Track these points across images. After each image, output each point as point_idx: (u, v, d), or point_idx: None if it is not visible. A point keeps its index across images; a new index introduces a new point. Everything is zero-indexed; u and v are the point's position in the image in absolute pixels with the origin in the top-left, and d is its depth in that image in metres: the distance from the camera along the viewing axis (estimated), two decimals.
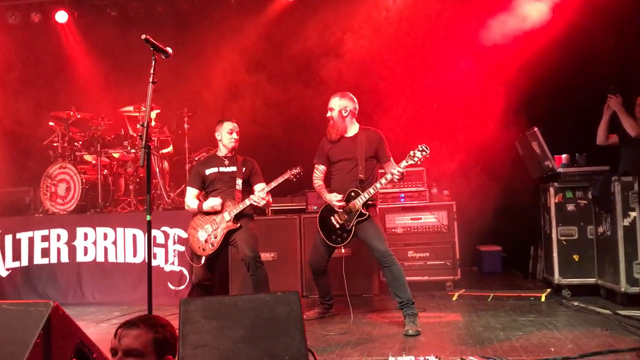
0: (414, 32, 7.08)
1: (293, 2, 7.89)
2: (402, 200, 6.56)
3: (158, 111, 7.41)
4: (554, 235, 5.73)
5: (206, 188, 5.22)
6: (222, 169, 5.17)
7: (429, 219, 6.42)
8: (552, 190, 5.78)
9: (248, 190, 5.15)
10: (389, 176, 4.67)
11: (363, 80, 6.88)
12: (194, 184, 5.25)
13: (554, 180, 5.83)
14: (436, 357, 3.55)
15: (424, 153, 4.58)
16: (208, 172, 5.18)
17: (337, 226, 4.88)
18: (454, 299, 5.93)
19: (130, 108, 7.24)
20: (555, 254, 5.71)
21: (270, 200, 5.15)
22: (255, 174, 5.22)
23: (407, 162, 4.62)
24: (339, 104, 4.98)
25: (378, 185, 4.74)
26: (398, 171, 4.62)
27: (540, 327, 4.51)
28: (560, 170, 5.80)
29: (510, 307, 5.37)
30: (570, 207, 5.72)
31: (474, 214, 6.75)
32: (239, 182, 5.10)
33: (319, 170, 5.16)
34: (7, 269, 6.78)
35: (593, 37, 6.46)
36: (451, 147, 6.44)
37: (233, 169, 5.16)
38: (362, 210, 4.77)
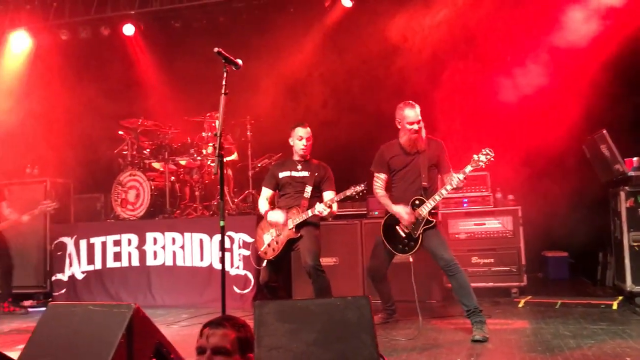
0: (480, 32, 6.99)
1: (352, 7, 7.93)
2: (465, 205, 6.50)
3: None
4: (625, 241, 5.54)
5: (279, 190, 5.31)
6: (294, 174, 5.21)
7: (493, 224, 6.33)
8: (622, 194, 5.60)
9: (318, 196, 5.17)
10: (454, 182, 4.57)
11: (426, 82, 6.85)
12: (268, 185, 5.33)
13: (625, 184, 5.65)
14: None
15: (488, 157, 4.52)
16: (281, 175, 5.26)
17: (404, 235, 4.86)
18: (520, 305, 5.82)
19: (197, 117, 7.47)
20: (627, 261, 5.51)
21: (335, 211, 5.08)
22: (327, 181, 5.22)
23: (471, 166, 4.56)
24: (420, 114, 4.90)
25: (444, 191, 4.68)
26: (463, 177, 4.56)
27: (613, 335, 4.38)
28: (632, 173, 5.60)
29: (579, 314, 5.23)
30: None
31: (540, 218, 6.61)
32: (308, 189, 5.13)
33: (380, 179, 5.09)
34: (83, 272, 7.12)
35: None
36: (516, 151, 6.32)
37: (305, 174, 5.20)
38: (429, 218, 4.74)
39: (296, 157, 5.27)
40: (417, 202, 4.80)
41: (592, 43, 6.38)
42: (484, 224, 6.36)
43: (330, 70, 7.82)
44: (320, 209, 4.89)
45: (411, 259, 4.88)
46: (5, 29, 8.75)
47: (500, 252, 6.27)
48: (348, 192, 4.82)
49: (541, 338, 4.42)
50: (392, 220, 4.94)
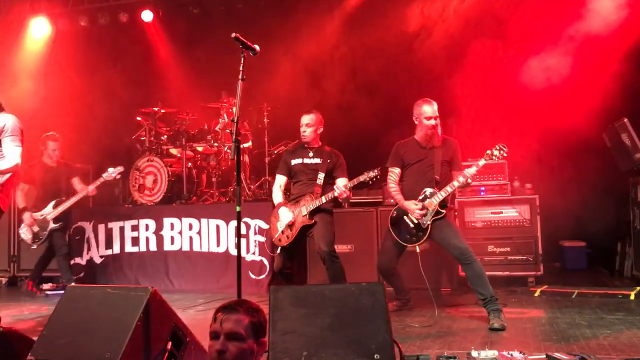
0: (502, 17, 6.90)
1: None
2: (482, 193, 6.46)
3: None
4: None
5: (291, 178, 5.33)
6: (305, 161, 5.24)
7: (510, 213, 6.29)
8: None
9: (330, 183, 5.18)
10: (461, 179, 4.66)
11: (445, 67, 6.79)
12: (281, 172, 5.36)
13: None
14: (520, 352, 3.50)
15: (501, 152, 4.55)
16: (293, 162, 5.28)
17: (412, 225, 4.89)
18: (536, 294, 5.79)
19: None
20: None
21: (350, 194, 5.15)
22: (339, 168, 5.21)
23: (484, 160, 4.60)
24: (437, 112, 4.95)
25: (456, 183, 4.71)
26: (475, 171, 4.61)
27: (630, 325, 4.34)
28: None
29: (596, 304, 5.19)
30: None
31: (558, 208, 6.55)
32: (321, 176, 5.13)
33: (394, 174, 5.11)
34: (101, 256, 7.21)
35: None
36: (535, 139, 6.26)
37: (317, 161, 5.21)
38: (438, 209, 4.76)
39: (307, 144, 5.29)
40: (428, 192, 4.81)
41: (616, 31, 6.26)
42: (501, 212, 6.33)
43: (349, 55, 7.77)
44: (339, 191, 4.91)
45: (418, 249, 4.90)
46: (26, 14, 8.83)
47: (517, 241, 6.23)
48: (362, 178, 4.87)
49: (557, 327, 4.39)
50: (401, 211, 4.98)
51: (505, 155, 4.57)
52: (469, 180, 4.69)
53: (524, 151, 6.35)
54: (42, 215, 6.62)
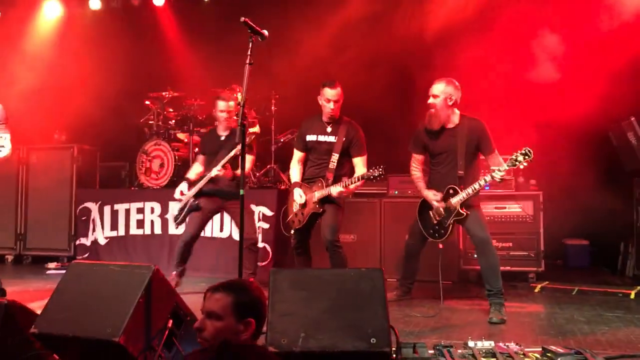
0: (510, 8, 6.86)
1: None
2: (486, 188, 6.42)
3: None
4: None
5: (307, 152, 5.19)
6: (320, 138, 5.07)
7: (513, 208, 6.30)
8: None
9: (348, 161, 5.05)
10: (488, 177, 4.52)
11: (450, 58, 6.75)
12: (298, 147, 5.24)
13: None
14: (517, 344, 3.53)
15: (526, 157, 4.36)
16: (308, 137, 5.13)
17: (435, 222, 4.85)
18: (536, 290, 5.82)
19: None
20: None
21: (353, 189, 4.99)
22: (356, 145, 5.03)
23: (507, 166, 4.45)
24: (444, 91, 4.69)
25: (477, 185, 4.59)
26: (500, 176, 4.46)
27: (628, 323, 4.37)
28: None
29: (596, 302, 5.21)
30: None
31: (562, 205, 6.56)
32: (334, 158, 4.97)
33: (417, 160, 5.01)
34: (106, 238, 7.27)
35: None
36: (540, 135, 6.23)
37: (332, 139, 5.03)
38: (460, 210, 4.65)
39: (325, 119, 5.09)
40: (450, 191, 4.72)
41: (625, 28, 6.22)
42: (505, 207, 6.33)
43: (360, 44, 7.70)
44: (335, 191, 4.84)
45: (441, 246, 4.90)
46: None
47: (519, 236, 6.24)
48: (365, 176, 4.70)
49: (555, 322, 4.43)
50: (427, 203, 4.92)
51: (530, 160, 4.36)
52: (497, 179, 4.49)
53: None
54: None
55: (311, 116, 5.24)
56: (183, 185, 5.61)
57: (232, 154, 5.22)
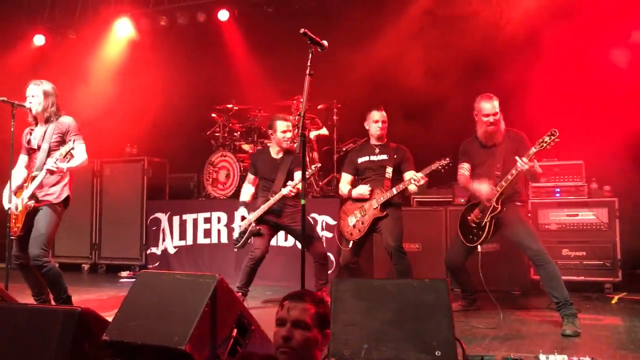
0: (581, 8, 6.61)
1: None
2: (557, 195, 6.23)
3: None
4: None
5: (358, 175, 5.40)
6: (372, 158, 5.31)
7: (587, 215, 6.03)
8: None
9: (398, 179, 5.21)
10: (514, 171, 4.47)
11: (519, 62, 6.56)
12: (347, 170, 5.47)
13: None
14: (592, 358, 3.36)
15: (552, 137, 4.29)
16: (360, 160, 5.36)
17: (473, 225, 4.81)
18: (613, 302, 5.54)
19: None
20: None
21: (427, 179, 5.05)
22: (406, 162, 5.25)
23: (535, 148, 4.38)
24: (498, 109, 4.78)
25: (509, 176, 4.52)
26: (525, 161, 4.36)
27: None
28: None
29: None
30: None
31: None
32: (389, 170, 5.18)
33: (464, 168, 5.02)
34: (175, 247, 7.50)
35: None
36: (615, 139, 5.95)
37: (383, 157, 5.27)
38: (494, 205, 4.63)
39: (373, 142, 5.37)
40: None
41: None
42: (577, 215, 6.08)
43: (423, 54, 7.62)
44: (411, 177, 4.90)
45: (479, 249, 4.80)
46: (110, 16, 9.29)
47: (594, 245, 5.96)
48: (433, 166, 4.88)
49: (635, 336, 4.19)
50: (467, 212, 4.91)
51: (557, 140, 4.29)
52: (524, 167, 4.38)
53: (603, 152, 6.06)
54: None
55: (359, 145, 5.59)
56: (243, 211, 5.55)
57: (308, 173, 5.10)
